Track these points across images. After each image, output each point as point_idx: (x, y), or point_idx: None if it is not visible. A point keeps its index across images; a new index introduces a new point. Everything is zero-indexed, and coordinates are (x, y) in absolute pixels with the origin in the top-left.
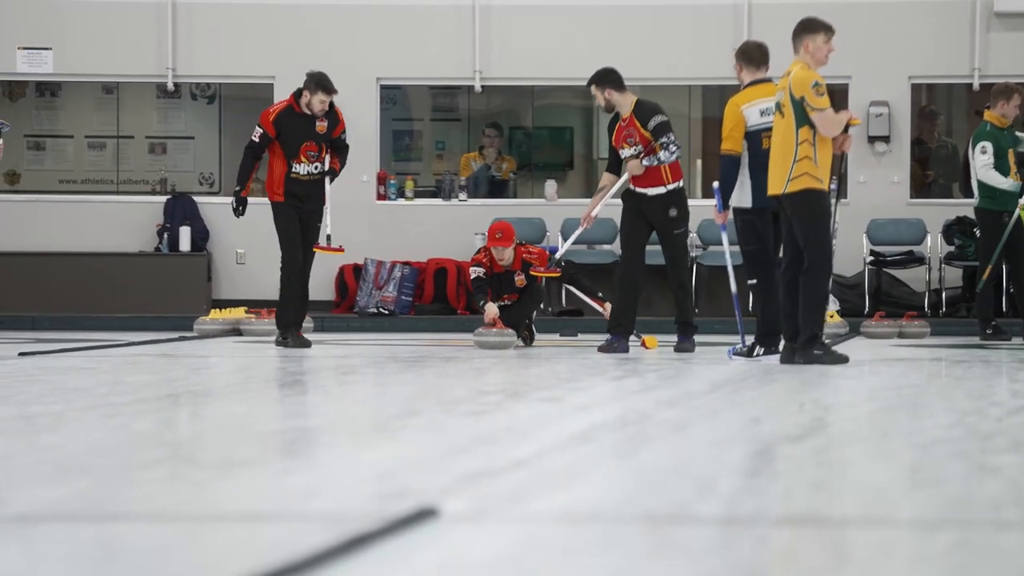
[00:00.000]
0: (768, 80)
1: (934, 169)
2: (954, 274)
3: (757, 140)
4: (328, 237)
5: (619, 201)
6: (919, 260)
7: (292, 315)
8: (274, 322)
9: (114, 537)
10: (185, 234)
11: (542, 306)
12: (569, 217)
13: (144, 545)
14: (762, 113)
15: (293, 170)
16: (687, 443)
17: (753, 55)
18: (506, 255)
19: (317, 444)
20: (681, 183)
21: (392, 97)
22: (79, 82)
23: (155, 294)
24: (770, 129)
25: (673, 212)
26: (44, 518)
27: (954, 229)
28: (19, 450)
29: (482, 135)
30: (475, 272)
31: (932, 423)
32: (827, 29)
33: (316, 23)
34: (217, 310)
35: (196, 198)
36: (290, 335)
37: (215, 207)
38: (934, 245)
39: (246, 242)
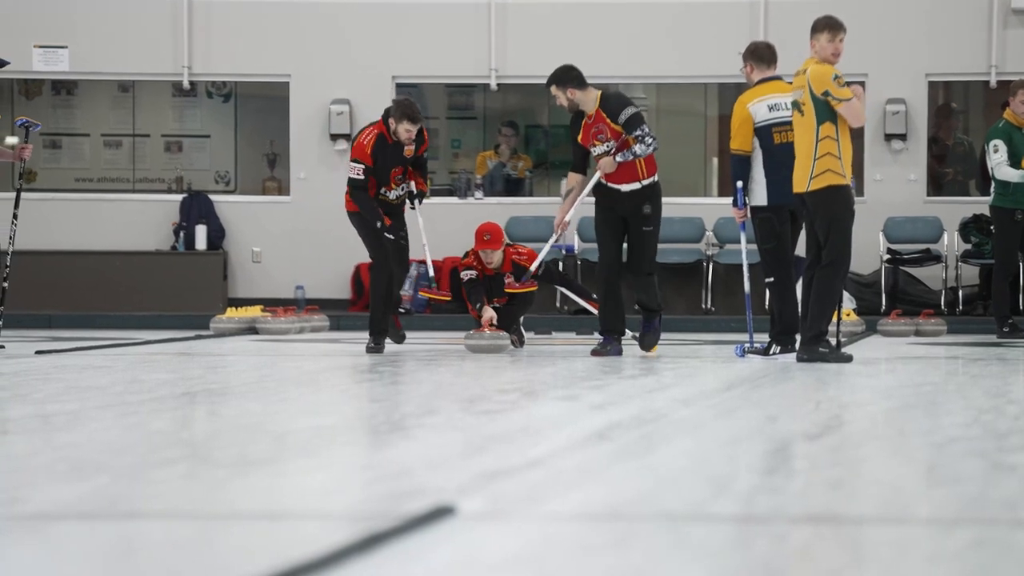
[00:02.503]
0: (778, 78)
1: (951, 167)
2: (971, 272)
3: (768, 136)
4: (431, 279)
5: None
6: (936, 258)
7: (385, 321)
8: (290, 321)
9: (131, 535)
10: (201, 232)
11: (560, 305)
12: (585, 215)
13: (161, 543)
14: (770, 108)
15: (382, 194)
16: (703, 442)
17: (763, 54)
18: (495, 258)
19: (333, 443)
20: (656, 178)
21: (408, 95)
22: (95, 80)
23: (171, 292)
24: (780, 124)
25: (647, 209)
26: (62, 516)
27: (971, 227)
28: (36, 449)
29: (498, 133)
30: (467, 275)
31: (949, 421)
32: (831, 28)
33: (332, 21)
34: (233, 308)
35: (212, 196)
36: (382, 341)
37: (231, 205)
38: (951, 243)
39: (262, 241)
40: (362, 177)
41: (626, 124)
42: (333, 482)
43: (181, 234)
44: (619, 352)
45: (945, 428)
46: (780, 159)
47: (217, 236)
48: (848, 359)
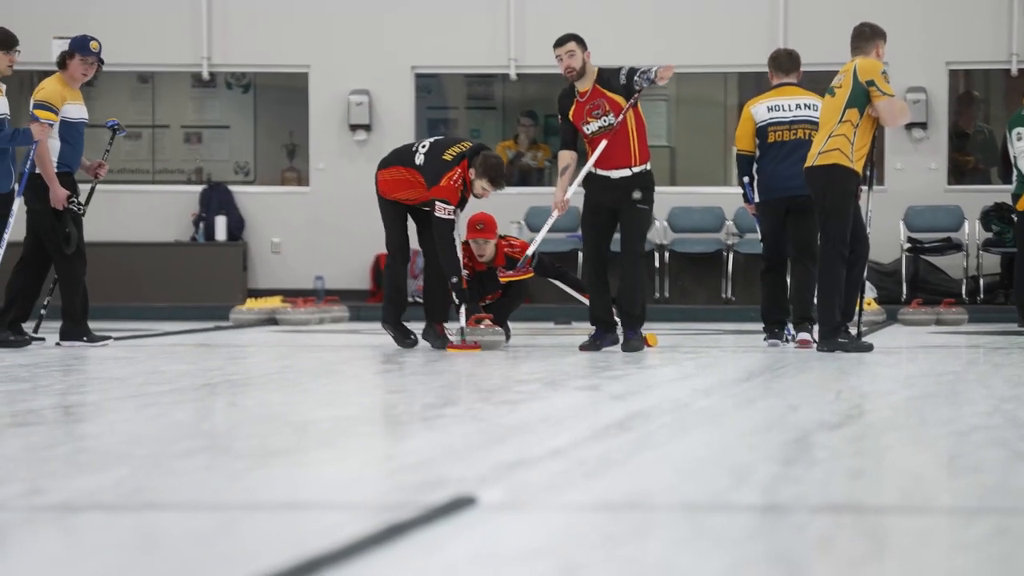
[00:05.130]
0: (792, 84)
1: (972, 155)
2: (992, 261)
3: (764, 135)
4: (461, 330)
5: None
6: (957, 247)
7: (396, 310)
8: (309, 312)
9: (152, 526)
10: (221, 223)
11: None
12: None
13: (182, 534)
14: (769, 109)
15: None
16: (724, 431)
17: (782, 61)
18: (487, 250)
19: (354, 434)
20: (648, 166)
21: (427, 86)
22: (114, 72)
23: (191, 283)
24: (776, 124)
25: (637, 194)
26: (83, 508)
27: (992, 215)
28: (57, 440)
29: (517, 123)
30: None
31: (970, 410)
32: (885, 36)
33: (351, 12)
34: (253, 299)
35: (231, 187)
36: (400, 332)
37: (250, 196)
38: (972, 232)
39: (281, 231)
40: (453, 218)
41: (628, 75)
42: (354, 473)
43: (201, 225)
44: (614, 342)
45: (966, 417)
46: (773, 156)
47: (237, 227)
48: (868, 348)
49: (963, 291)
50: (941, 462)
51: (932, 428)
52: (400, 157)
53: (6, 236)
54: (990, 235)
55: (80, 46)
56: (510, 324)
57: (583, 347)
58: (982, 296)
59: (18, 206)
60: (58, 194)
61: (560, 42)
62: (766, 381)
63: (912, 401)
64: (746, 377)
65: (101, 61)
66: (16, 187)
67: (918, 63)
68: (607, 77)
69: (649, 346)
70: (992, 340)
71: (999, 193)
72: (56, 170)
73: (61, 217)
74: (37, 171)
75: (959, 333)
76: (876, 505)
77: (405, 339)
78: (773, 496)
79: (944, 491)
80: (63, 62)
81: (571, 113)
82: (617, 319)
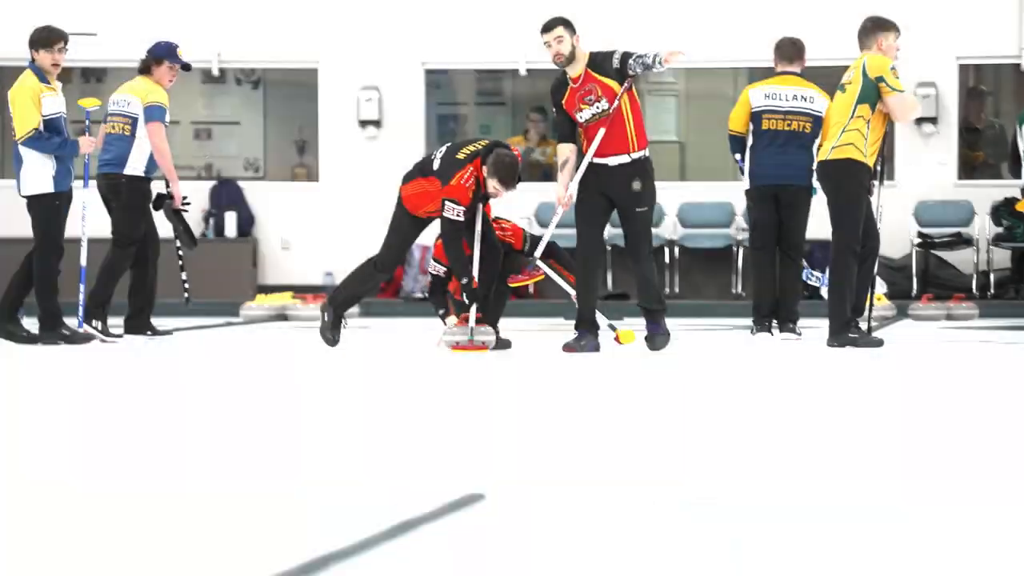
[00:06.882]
0: (794, 74)
1: (982, 150)
2: (1002, 256)
3: (758, 121)
4: (471, 330)
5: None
6: (967, 242)
7: (347, 305)
8: (318, 308)
9: (158, 523)
10: (231, 219)
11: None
12: None
13: (187, 530)
14: (766, 96)
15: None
16: (728, 426)
17: (785, 51)
18: None
19: (363, 429)
20: (647, 152)
21: (437, 82)
22: (124, 68)
23: (201, 279)
24: (771, 112)
25: (636, 185)
26: (88, 501)
27: (1002, 210)
28: (66, 436)
29: (527, 119)
30: (438, 270)
31: (980, 406)
32: (896, 28)
33: (361, 8)
34: (263, 295)
35: (241, 183)
36: (339, 328)
37: (260, 192)
38: (982, 226)
39: (291, 228)
40: (462, 219)
41: (623, 60)
42: (363, 468)
43: (211, 221)
44: (596, 348)
45: (977, 413)
46: (766, 144)
47: (246, 223)
48: (879, 344)
49: (973, 286)
50: (952, 458)
51: (942, 424)
52: (421, 168)
53: (85, 234)
54: (1000, 230)
55: (169, 53)
56: (507, 322)
57: (566, 347)
58: (992, 291)
59: (88, 203)
60: (178, 193)
61: (547, 27)
62: (774, 377)
63: (922, 396)
64: (753, 373)
65: (186, 68)
66: (82, 184)
67: (927, 58)
68: (599, 61)
69: (621, 343)
70: (1003, 335)
71: (1009, 188)
72: (144, 173)
73: (176, 216)
74: (120, 172)
75: (970, 328)
76: (885, 502)
77: (332, 331)
78: (778, 492)
79: (955, 487)
80: (147, 68)
81: (564, 101)
82: (611, 326)
